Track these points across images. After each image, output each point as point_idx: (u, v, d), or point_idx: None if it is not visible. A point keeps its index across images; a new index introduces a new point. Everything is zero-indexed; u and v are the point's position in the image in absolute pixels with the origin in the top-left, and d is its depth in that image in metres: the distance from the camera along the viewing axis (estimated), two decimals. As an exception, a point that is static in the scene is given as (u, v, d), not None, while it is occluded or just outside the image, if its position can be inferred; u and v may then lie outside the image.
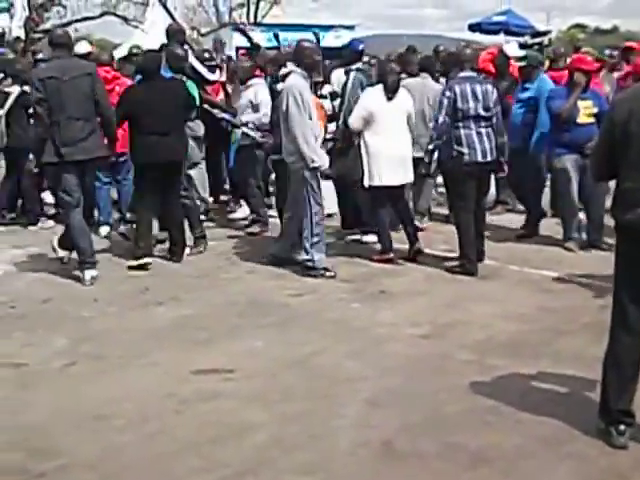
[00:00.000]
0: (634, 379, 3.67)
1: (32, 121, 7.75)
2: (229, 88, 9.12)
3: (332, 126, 7.68)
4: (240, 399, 4.24)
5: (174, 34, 8.26)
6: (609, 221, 7.32)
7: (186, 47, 8.20)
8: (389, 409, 4.09)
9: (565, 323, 5.37)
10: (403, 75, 7.56)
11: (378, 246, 7.19)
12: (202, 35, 23.50)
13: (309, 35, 9.19)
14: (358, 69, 7.62)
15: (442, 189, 8.54)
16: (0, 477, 3.53)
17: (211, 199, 9.16)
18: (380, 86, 7.01)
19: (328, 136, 7.49)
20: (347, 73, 7.70)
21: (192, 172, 7.72)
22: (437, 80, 8.23)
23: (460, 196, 6.68)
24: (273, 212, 8.49)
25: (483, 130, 6.59)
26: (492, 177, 7.34)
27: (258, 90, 8.20)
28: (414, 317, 5.56)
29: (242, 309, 5.81)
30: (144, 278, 6.63)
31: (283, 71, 6.62)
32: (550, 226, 7.97)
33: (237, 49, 11.45)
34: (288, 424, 3.93)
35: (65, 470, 3.55)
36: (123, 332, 5.33)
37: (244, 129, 8.13)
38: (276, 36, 11.90)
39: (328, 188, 7.39)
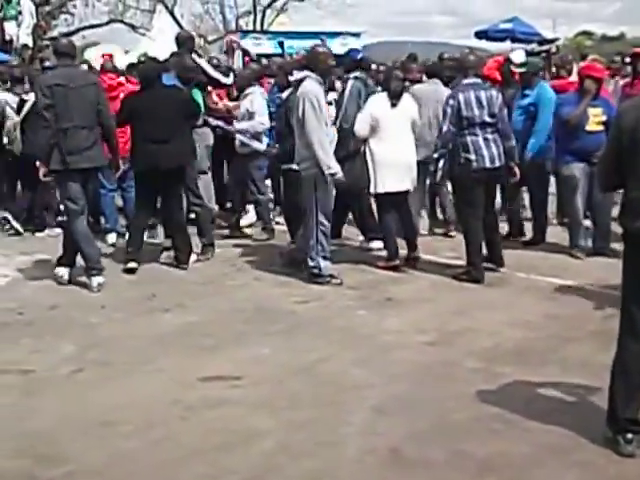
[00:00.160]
0: (642, 387, 3.66)
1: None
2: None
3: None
4: (247, 406, 4.24)
5: (184, 41, 8.30)
6: (616, 228, 7.36)
7: (195, 55, 8.23)
8: (396, 416, 4.09)
9: (572, 330, 5.35)
10: (406, 83, 7.57)
11: (381, 252, 7.18)
12: (209, 43, 23.61)
13: (316, 42, 9.22)
14: (356, 77, 7.63)
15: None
16: (7, 483, 3.55)
17: (216, 206, 9.16)
18: (384, 93, 7.04)
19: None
20: (345, 81, 7.72)
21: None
22: (447, 85, 8.24)
23: (468, 203, 6.66)
24: (279, 219, 8.53)
25: (490, 136, 6.58)
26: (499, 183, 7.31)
27: (254, 98, 8.23)
28: (420, 324, 5.55)
29: (248, 316, 5.81)
30: (150, 285, 6.64)
31: (297, 76, 6.61)
32: (556, 233, 7.96)
33: (244, 54, 11.45)
34: (295, 431, 3.92)
35: (72, 477, 3.55)
36: (130, 338, 5.34)
37: (238, 136, 8.14)
38: (281, 44, 11.96)
39: None
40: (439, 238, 8.27)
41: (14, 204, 9.18)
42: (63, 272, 6.64)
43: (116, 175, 7.17)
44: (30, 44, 14.79)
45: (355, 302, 6.13)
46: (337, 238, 7.69)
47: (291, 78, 6.98)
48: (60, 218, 8.76)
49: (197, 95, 7.65)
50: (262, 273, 6.98)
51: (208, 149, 8.15)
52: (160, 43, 11.52)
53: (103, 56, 9.06)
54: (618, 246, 7.04)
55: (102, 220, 8.55)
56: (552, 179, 7.99)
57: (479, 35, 16.33)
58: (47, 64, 9.75)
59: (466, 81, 6.72)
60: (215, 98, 8.51)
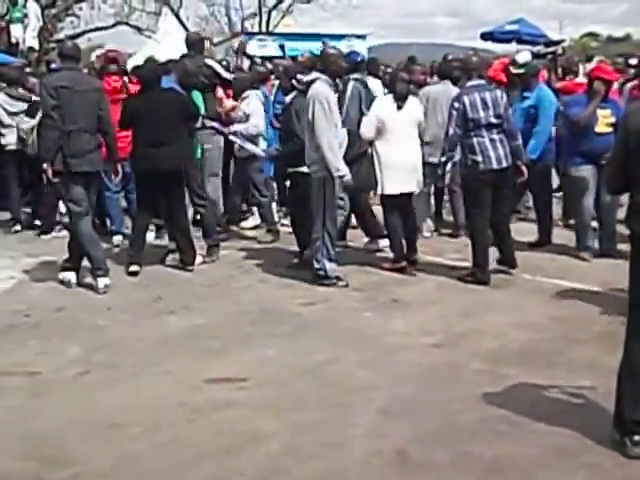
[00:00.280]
0: (649, 390, 3.65)
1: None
2: None
3: None
4: (253, 408, 4.24)
5: (194, 43, 8.32)
6: (621, 229, 7.34)
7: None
8: (402, 418, 4.09)
9: (578, 332, 5.34)
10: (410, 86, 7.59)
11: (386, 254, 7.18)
12: (215, 45, 23.59)
13: (318, 44, 9.27)
14: (356, 79, 7.65)
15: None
16: (14, 485, 3.56)
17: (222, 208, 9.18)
18: (390, 95, 7.05)
19: None
20: (345, 84, 7.73)
21: (207, 182, 7.77)
22: (456, 85, 8.26)
23: (476, 204, 6.64)
24: (285, 221, 8.53)
25: (496, 137, 6.57)
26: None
27: (250, 101, 8.25)
28: (426, 326, 5.55)
29: (254, 318, 5.82)
30: (157, 287, 6.66)
31: (308, 78, 6.61)
32: (563, 235, 7.95)
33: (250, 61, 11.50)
34: (301, 433, 3.93)
35: (78, 479, 3.56)
36: (136, 341, 5.35)
37: (231, 137, 8.14)
38: (282, 47, 11.98)
39: None
40: (445, 239, 8.27)
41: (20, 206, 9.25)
42: (70, 276, 6.65)
43: (116, 180, 7.16)
44: (36, 47, 14.82)
45: (361, 304, 6.14)
46: (342, 240, 7.69)
47: (299, 78, 6.98)
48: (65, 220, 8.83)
49: (197, 97, 7.67)
50: (267, 275, 6.99)
51: (220, 151, 8.17)
52: (166, 45, 11.54)
53: (106, 55, 9.01)
54: (625, 247, 7.07)
55: (108, 222, 8.58)
56: (553, 180, 7.98)
57: (485, 36, 16.30)
58: (53, 66, 9.77)
59: (470, 83, 6.72)
60: (221, 93, 8.49)
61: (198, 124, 7.47)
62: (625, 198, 3.87)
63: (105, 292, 6.44)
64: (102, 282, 6.47)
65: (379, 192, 6.98)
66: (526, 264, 7.01)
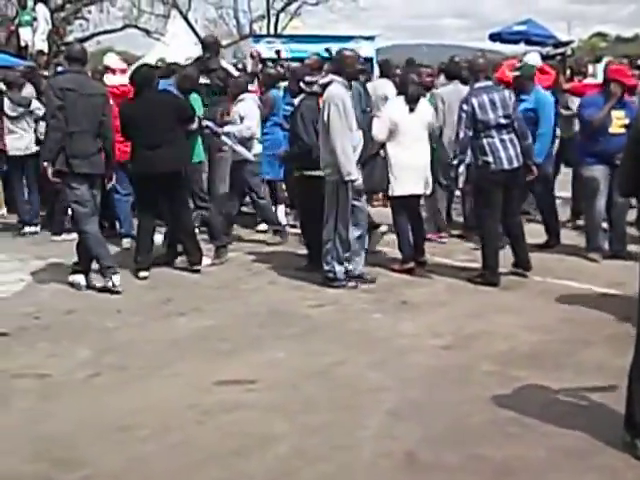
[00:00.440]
0: (660, 392, 3.64)
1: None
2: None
3: None
4: (262, 410, 4.24)
5: (210, 45, 8.37)
6: (630, 230, 7.32)
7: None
8: (411, 420, 4.08)
9: (588, 334, 5.32)
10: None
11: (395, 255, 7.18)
12: (223, 47, 23.61)
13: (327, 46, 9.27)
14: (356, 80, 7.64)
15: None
16: (25, 487, 3.56)
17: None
18: (402, 97, 7.05)
19: None
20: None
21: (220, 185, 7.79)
22: (466, 84, 8.26)
23: (487, 205, 6.62)
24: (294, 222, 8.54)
25: (506, 137, 6.56)
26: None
27: (245, 104, 8.24)
28: (436, 328, 5.55)
29: (263, 320, 5.82)
30: (166, 289, 6.67)
31: (324, 80, 6.60)
32: (572, 236, 7.93)
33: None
34: (310, 435, 3.93)
35: (89, 480, 3.57)
36: (146, 343, 5.36)
37: (223, 138, 8.13)
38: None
39: None
40: (455, 241, 8.27)
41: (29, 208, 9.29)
42: (79, 279, 6.66)
43: (108, 185, 7.10)
44: (45, 50, 14.86)
45: (370, 305, 6.13)
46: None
47: (308, 79, 6.97)
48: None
49: (195, 101, 7.68)
50: (277, 277, 7.00)
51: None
52: (174, 48, 11.60)
53: (114, 70, 9.01)
54: (635, 248, 7.05)
55: (117, 225, 8.60)
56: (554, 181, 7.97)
57: (493, 37, 16.27)
58: (59, 69, 9.81)
59: (478, 85, 6.71)
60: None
61: (194, 125, 7.46)
62: (635, 199, 3.85)
63: (121, 290, 6.43)
64: (116, 279, 6.48)
65: (390, 193, 6.99)
66: (536, 265, 6.98)
